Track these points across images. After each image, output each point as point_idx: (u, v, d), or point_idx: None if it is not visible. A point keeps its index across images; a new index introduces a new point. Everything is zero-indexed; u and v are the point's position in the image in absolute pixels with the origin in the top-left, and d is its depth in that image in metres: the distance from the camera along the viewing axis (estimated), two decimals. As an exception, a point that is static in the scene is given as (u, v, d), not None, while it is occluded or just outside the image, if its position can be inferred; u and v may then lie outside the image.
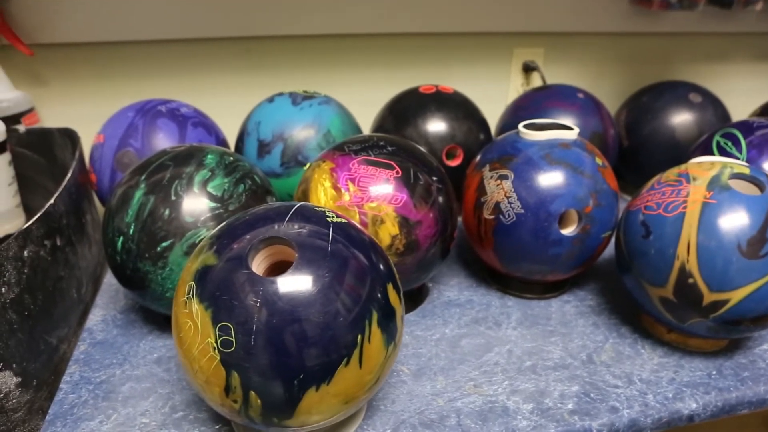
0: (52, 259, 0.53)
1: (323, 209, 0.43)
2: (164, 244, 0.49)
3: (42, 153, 0.72)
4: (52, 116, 0.80)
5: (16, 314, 0.47)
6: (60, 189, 0.56)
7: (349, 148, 0.57)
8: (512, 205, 0.58)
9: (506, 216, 0.59)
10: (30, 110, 0.75)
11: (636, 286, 0.56)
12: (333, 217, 0.42)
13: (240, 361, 0.36)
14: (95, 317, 0.61)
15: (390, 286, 0.41)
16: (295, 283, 0.37)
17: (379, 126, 0.76)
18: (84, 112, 0.80)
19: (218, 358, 0.36)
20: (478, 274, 0.71)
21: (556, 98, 0.79)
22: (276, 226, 0.40)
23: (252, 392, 0.37)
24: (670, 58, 1.04)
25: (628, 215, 0.57)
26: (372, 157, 0.55)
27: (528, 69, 0.95)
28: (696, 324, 0.53)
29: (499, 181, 0.59)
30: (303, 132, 0.69)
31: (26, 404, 0.48)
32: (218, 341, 0.36)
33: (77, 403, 0.50)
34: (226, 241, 0.40)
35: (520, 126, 0.62)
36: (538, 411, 0.50)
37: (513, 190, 0.58)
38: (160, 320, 0.61)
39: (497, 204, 0.59)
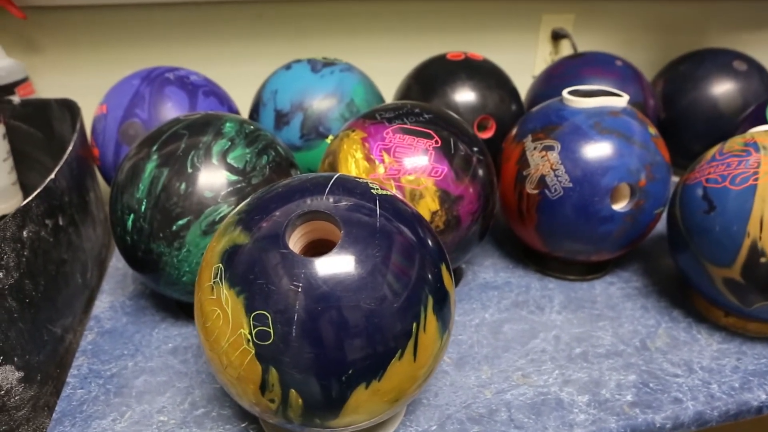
0: (55, 241, 0.48)
1: (365, 180, 0.38)
2: (180, 222, 0.44)
3: (39, 126, 0.66)
4: (48, 87, 0.74)
5: (16, 302, 0.42)
6: (61, 163, 0.51)
7: (381, 115, 0.51)
8: (559, 178, 0.53)
9: (552, 191, 0.54)
10: (24, 80, 0.69)
11: (693, 266, 0.52)
12: (377, 188, 0.37)
13: (279, 355, 0.31)
14: (102, 304, 0.56)
15: (443, 267, 0.36)
16: (342, 265, 0.32)
17: (404, 96, 0.70)
18: (83, 82, 0.74)
19: (253, 351, 0.31)
20: (512, 253, 0.66)
21: (593, 66, 0.73)
22: (314, 200, 0.34)
23: (293, 390, 0.32)
24: (705, 25, 0.98)
25: (686, 189, 0.52)
26: (408, 125, 0.50)
27: (557, 36, 0.89)
28: (762, 308, 0.48)
29: (543, 153, 0.54)
30: (324, 101, 0.63)
31: (30, 401, 0.44)
32: (253, 332, 0.31)
33: (87, 399, 0.45)
34: (257, 217, 0.34)
35: (565, 92, 0.57)
36: (595, 403, 0.45)
37: (560, 162, 0.53)
38: (173, 306, 0.56)
39: (542, 178, 0.54)
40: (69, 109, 0.64)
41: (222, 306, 0.32)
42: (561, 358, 0.50)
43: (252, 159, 0.46)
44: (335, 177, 0.37)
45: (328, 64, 0.66)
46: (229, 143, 0.46)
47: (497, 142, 0.66)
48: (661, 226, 0.72)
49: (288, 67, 0.67)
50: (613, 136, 0.52)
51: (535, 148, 0.55)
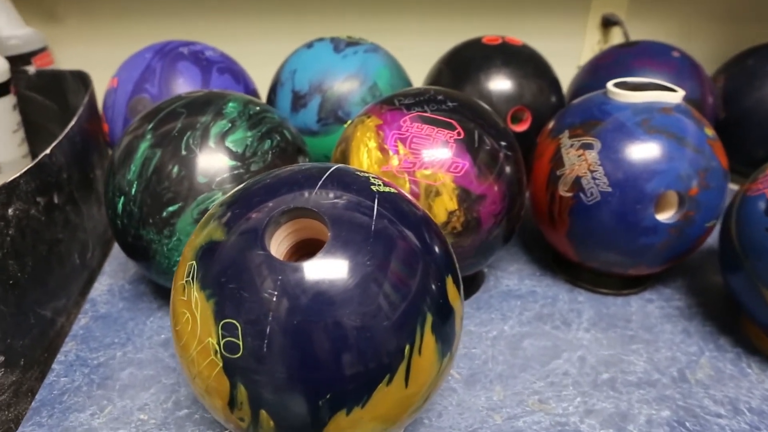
0: (47, 219, 0.45)
1: (367, 174, 0.33)
2: (171, 209, 0.40)
3: (53, 98, 0.65)
4: (67, 58, 0.72)
5: (-3, 283, 0.39)
6: (60, 137, 0.48)
7: (400, 101, 0.46)
8: (597, 181, 0.47)
9: (588, 194, 0.48)
10: (42, 50, 0.67)
11: (747, 289, 0.45)
12: (379, 185, 0.32)
13: (248, 372, 0.27)
14: (101, 286, 0.54)
15: (449, 280, 0.32)
16: (326, 272, 0.27)
17: (434, 81, 0.65)
18: (103, 54, 0.72)
19: (221, 364, 0.28)
20: (541, 260, 0.61)
21: (646, 56, 0.66)
22: (305, 194, 0.30)
23: (263, 411, 0.28)
24: (777, 16, 0.89)
25: (745, 201, 0.46)
26: (428, 114, 0.45)
27: (608, 23, 0.82)
28: (828, 343, 0.42)
29: (581, 151, 0.48)
30: (345, 83, 0.58)
31: (11, 386, 0.41)
32: (221, 343, 0.27)
33: (69, 389, 0.43)
34: (239, 210, 0.30)
35: (610, 84, 0.51)
36: (621, 440, 0.40)
37: (599, 162, 0.47)
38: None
39: (577, 179, 0.48)
40: (82, 80, 0.62)
41: (191, 309, 0.29)
42: (585, 383, 0.45)
43: (253, 143, 0.43)
44: (332, 169, 0.32)
45: (351, 43, 0.62)
46: (230, 125, 0.42)
47: (532, 136, 0.60)
48: (713, 239, 0.65)
49: (309, 45, 0.62)
50: (662, 137, 0.46)
51: (571, 146, 0.49)
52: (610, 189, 0.47)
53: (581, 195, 0.48)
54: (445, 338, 0.31)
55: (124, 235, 0.43)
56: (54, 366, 0.45)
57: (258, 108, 0.45)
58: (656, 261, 0.50)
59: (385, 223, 0.30)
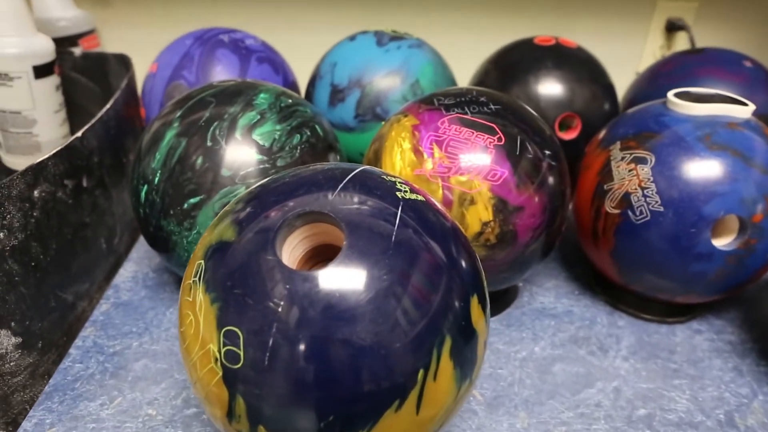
0: (74, 203, 0.45)
1: (394, 179, 0.31)
2: (192, 201, 0.39)
3: (97, 80, 0.65)
4: (113, 41, 0.72)
5: (18, 264, 0.39)
6: (93, 121, 0.48)
7: (439, 101, 0.44)
8: (648, 199, 0.43)
9: (637, 213, 0.44)
10: (90, 32, 0.67)
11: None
12: (406, 191, 0.30)
13: (248, 384, 0.25)
14: (126, 272, 0.54)
15: (474, 300, 0.29)
16: (339, 283, 0.25)
17: (480, 82, 0.62)
18: (149, 38, 0.72)
19: (220, 373, 0.26)
20: (581, 278, 0.57)
21: (713, 65, 0.61)
22: (324, 196, 0.28)
23: (261, 427, 0.26)
24: None
25: (818, 232, 0.41)
26: (468, 116, 0.42)
27: (673, 28, 0.76)
28: None
29: (632, 165, 0.44)
30: (386, 79, 0.56)
31: (28, 368, 0.41)
32: (222, 351, 0.26)
33: (82, 376, 0.42)
34: (254, 210, 0.28)
35: (671, 94, 0.46)
36: (655, 486, 0.36)
37: (651, 179, 0.43)
38: (195, 285, 0.52)
39: (626, 195, 0.44)
40: (124, 64, 0.62)
41: (195, 312, 0.27)
42: (619, 418, 0.41)
43: (282, 137, 0.41)
44: (355, 171, 0.30)
45: (396, 38, 0.59)
46: (258, 117, 0.41)
47: (581, 145, 0.56)
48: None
49: (352, 38, 0.60)
50: (726, 154, 0.42)
51: (622, 159, 0.45)
52: (662, 208, 0.43)
53: (629, 213, 0.44)
54: (465, 363, 0.28)
55: (146, 224, 0.42)
56: (71, 351, 0.44)
57: (290, 101, 0.44)
58: (709, 290, 0.46)
59: (408, 233, 0.27)
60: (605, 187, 0.46)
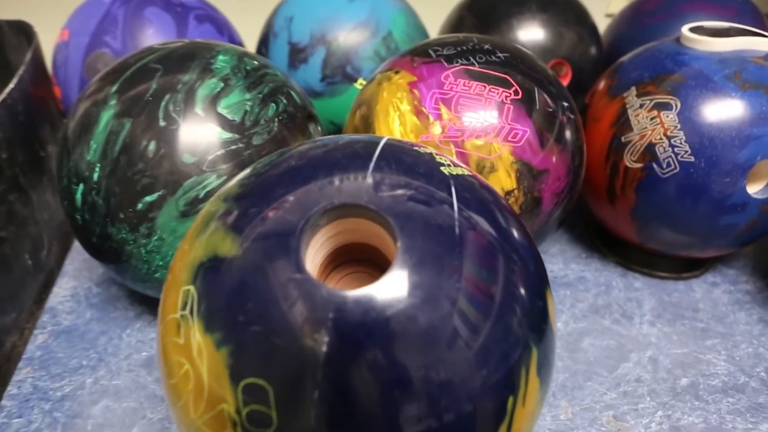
0: (-17, 213, 0.35)
1: (426, 150, 0.24)
2: (148, 199, 0.30)
3: (-11, 56, 0.52)
4: (5, 5, 0.59)
5: None
6: (-6, 105, 0.37)
7: (436, 52, 0.37)
8: (676, 149, 0.38)
9: (664, 165, 0.39)
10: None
11: None
12: (448, 165, 0.23)
13: (287, 456, 0.18)
14: (62, 291, 0.44)
15: (548, 293, 0.23)
16: (402, 300, 0.18)
17: (455, 31, 0.55)
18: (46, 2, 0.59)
19: (243, 442, 0.19)
20: (584, 239, 0.53)
21: (699, -1, 0.57)
22: (354, 181, 0.21)
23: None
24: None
25: None
26: (476, 67, 0.35)
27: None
28: None
29: (654, 113, 0.39)
30: (354, 33, 0.48)
31: (-52, 433, 0.32)
32: (243, 412, 0.18)
33: (25, 434, 0.33)
34: (254, 208, 0.21)
35: (685, 29, 0.42)
36: (722, 467, 0.33)
37: (678, 126, 0.38)
38: (152, 297, 0.43)
39: (650, 147, 0.39)
40: (24, 33, 0.50)
41: (192, 358, 0.19)
42: (663, 391, 0.37)
43: (254, 108, 0.32)
44: (382, 144, 0.23)
45: (359, -16, 0.51)
46: (222, 84, 0.32)
47: (573, 95, 0.51)
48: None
49: (307, -13, 0.51)
50: (760, 93, 0.37)
51: (641, 106, 0.40)
52: (692, 158, 0.38)
53: (655, 166, 0.39)
54: (547, 373, 0.22)
55: (87, 233, 0.32)
56: (4, 402, 0.35)
57: (256, 63, 0.35)
58: (735, 243, 0.42)
59: (473, 222, 0.20)
60: (623, 139, 0.41)
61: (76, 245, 0.48)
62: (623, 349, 0.41)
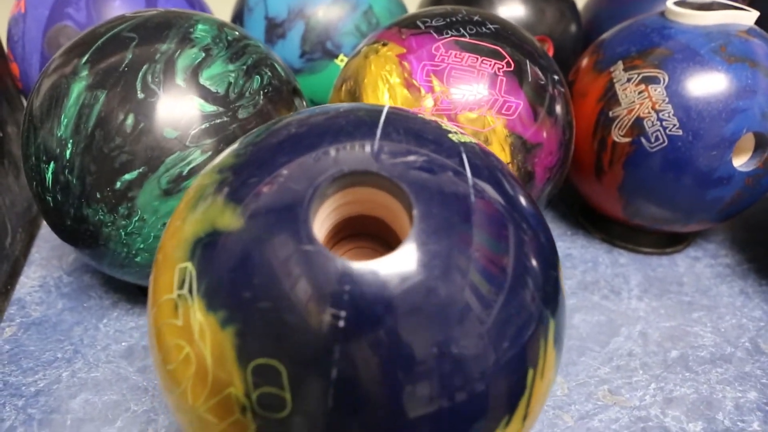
0: (-59, 197, 0.32)
1: (431, 117, 0.23)
2: (127, 177, 0.28)
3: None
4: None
5: None
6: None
7: (425, 23, 0.35)
8: (664, 123, 0.38)
9: (652, 139, 0.39)
10: None
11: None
12: (455, 132, 0.22)
13: (302, 440, 0.17)
14: (30, 281, 0.41)
15: (559, 264, 0.22)
16: (421, 271, 0.17)
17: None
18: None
19: (253, 427, 0.17)
20: (568, 216, 0.53)
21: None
22: (362, 148, 0.19)
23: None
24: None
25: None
26: (467, 38, 0.34)
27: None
28: None
29: (642, 86, 0.39)
30: (333, 7, 0.46)
31: None
32: (253, 396, 0.17)
33: (-3, 432, 0.31)
34: (254, 178, 0.19)
35: (670, 2, 0.41)
36: (715, 435, 0.33)
37: (666, 100, 0.38)
38: (129, 284, 0.41)
39: (638, 121, 0.39)
40: (-23, 7, 0.46)
41: (194, 340, 0.18)
42: (655, 364, 0.38)
43: (238, 80, 0.31)
44: (386, 111, 0.22)
45: (337, -44, 0.49)
46: (203, 54, 0.30)
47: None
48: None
49: (283, -41, 0.49)
50: (745, 66, 0.38)
51: (629, 80, 0.40)
52: (680, 132, 0.38)
53: (643, 140, 0.39)
54: (561, 347, 0.22)
55: (60, 216, 0.30)
56: (-28, 399, 0.33)
57: (237, 33, 0.33)
58: (719, 216, 0.43)
59: (486, 191, 0.19)
60: (611, 114, 0.41)
61: (43, 233, 0.46)
62: (613, 324, 0.41)
